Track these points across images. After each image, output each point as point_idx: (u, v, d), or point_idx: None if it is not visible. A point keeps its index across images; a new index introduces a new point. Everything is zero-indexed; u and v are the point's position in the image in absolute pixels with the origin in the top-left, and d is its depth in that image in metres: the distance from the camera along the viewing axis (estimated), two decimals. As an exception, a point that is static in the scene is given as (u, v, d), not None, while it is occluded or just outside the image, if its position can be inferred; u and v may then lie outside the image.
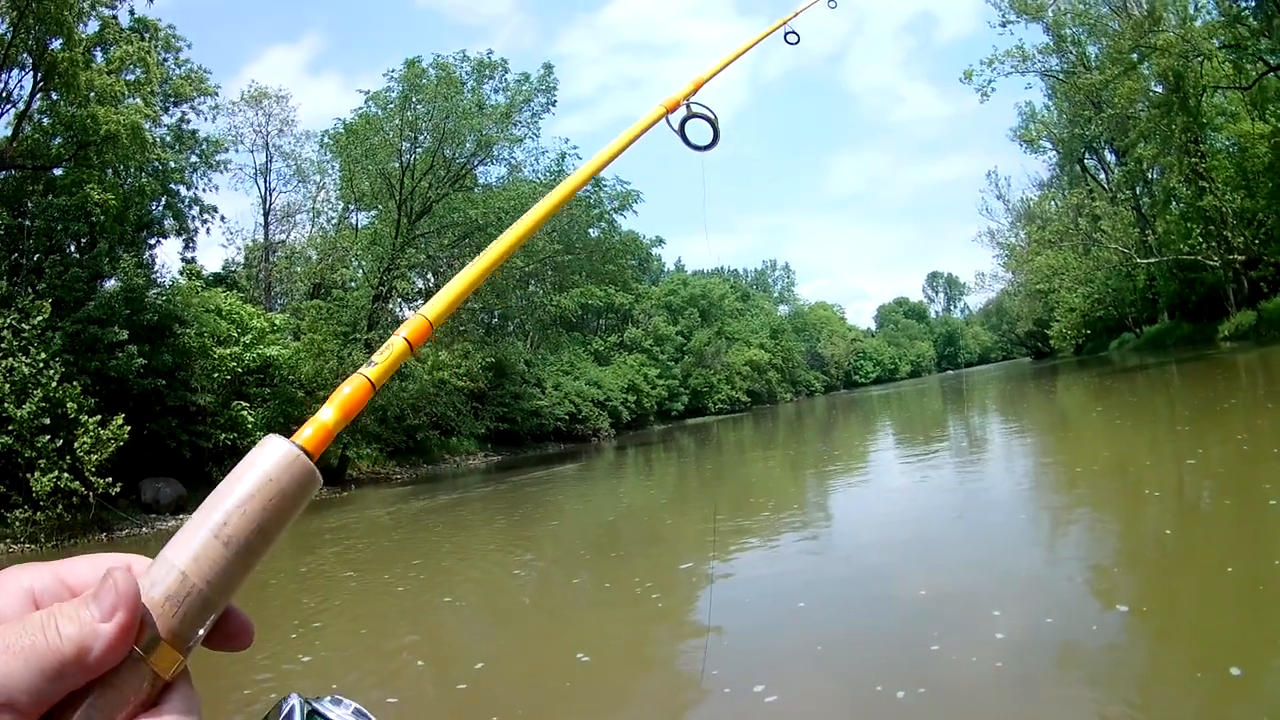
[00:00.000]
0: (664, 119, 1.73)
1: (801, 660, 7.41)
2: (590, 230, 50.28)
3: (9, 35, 25.67)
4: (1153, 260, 55.73)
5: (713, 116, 1.77)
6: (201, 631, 0.77)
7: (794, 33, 3.18)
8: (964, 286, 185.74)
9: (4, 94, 27.41)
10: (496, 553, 17.17)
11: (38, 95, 27.33)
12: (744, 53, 2.42)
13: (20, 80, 27.59)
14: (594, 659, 8.32)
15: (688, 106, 1.76)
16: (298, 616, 11.86)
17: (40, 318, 24.76)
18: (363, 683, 8.43)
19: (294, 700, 0.90)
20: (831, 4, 3.48)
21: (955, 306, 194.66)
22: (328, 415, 0.93)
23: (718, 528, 15.22)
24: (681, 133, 1.76)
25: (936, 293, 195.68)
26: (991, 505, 13.59)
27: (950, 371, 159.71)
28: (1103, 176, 66.27)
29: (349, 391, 0.97)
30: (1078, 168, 67.31)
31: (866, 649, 7.50)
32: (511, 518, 23.13)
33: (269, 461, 0.82)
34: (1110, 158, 66.57)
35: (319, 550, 19.22)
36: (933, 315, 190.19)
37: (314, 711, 0.90)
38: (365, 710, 0.93)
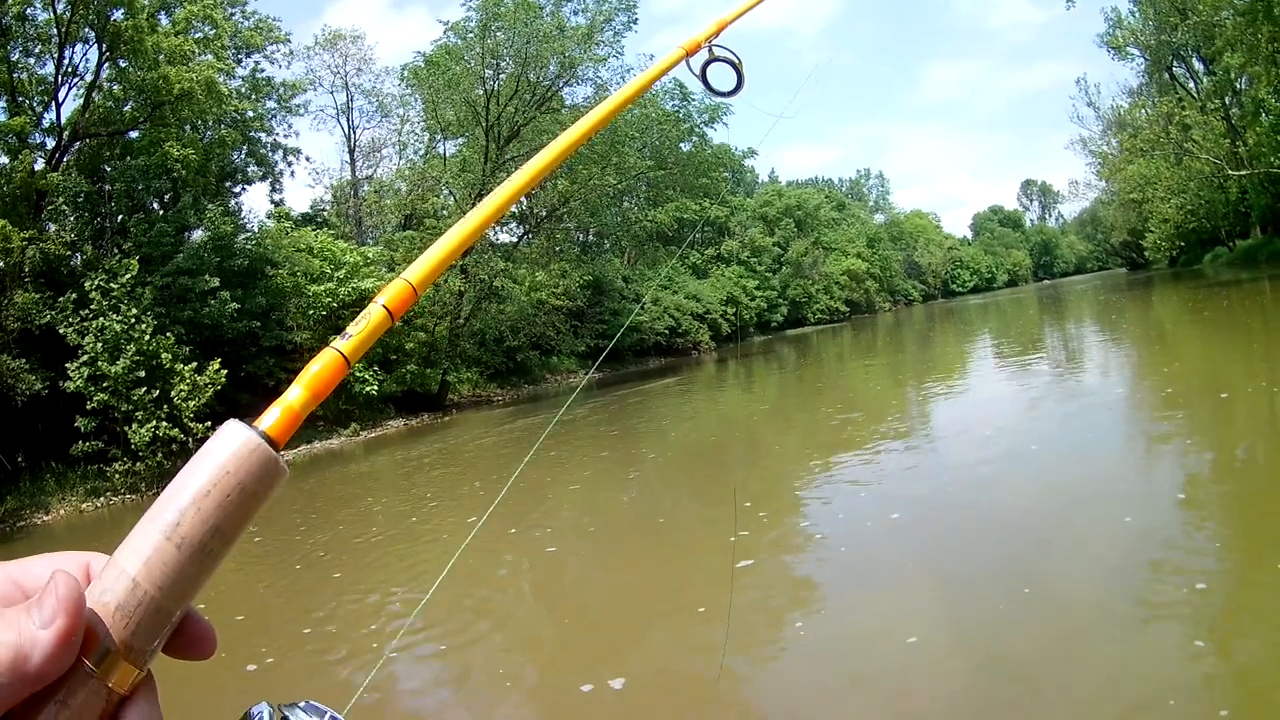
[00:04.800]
0: (684, 62, 1.63)
1: (896, 570, 7.84)
2: (681, 144, 49.66)
3: (68, 13, 25.59)
4: (1244, 173, 52.75)
5: (736, 60, 1.68)
6: (157, 642, 0.70)
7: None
8: (1058, 195, 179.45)
9: (70, 69, 27.49)
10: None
11: (105, 66, 27.39)
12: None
13: (85, 54, 27.80)
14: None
15: (710, 49, 1.67)
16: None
17: (128, 275, 25.05)
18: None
19: (263, 708, 0.80)
20: None
21: (1050, 215, 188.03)
22: (295, 395, 0.83)
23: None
24: (703, 77, 1.69)
25: (1031, 201, 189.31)
26: (1087, 422, 13.28)
27: (1046, 281, 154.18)
28: (1192, 85, 62.84)
29: (318, 369, 0.86)
30: (1166, 75, 64.09)
31: (961, 564, 7.72)
32: (617, 432, 23.16)
33: (225, 452, 0.74)
34: (1198, 66, 63.35)
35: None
36: (1028, 224, 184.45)
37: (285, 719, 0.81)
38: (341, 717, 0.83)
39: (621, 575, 9.72)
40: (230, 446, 0.73)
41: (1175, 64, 63.39)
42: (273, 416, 0.80)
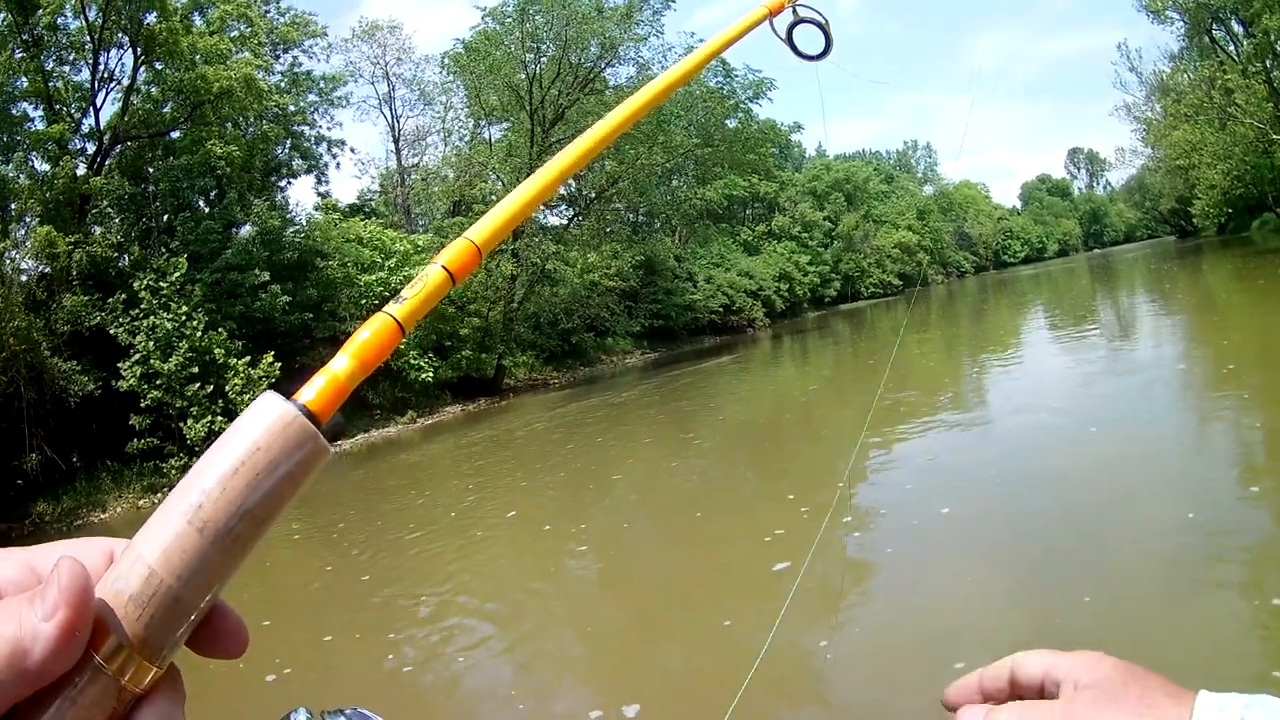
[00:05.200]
0: (767, 21, 1.48)
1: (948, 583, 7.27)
2: (727, 121, 49.21)
3: (100, 20, 25.58)
4: (1287, 137, 51.49)
5: (823, 20, 1.55)
6: (177, 637, 0.62)
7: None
8: (1105, 162, 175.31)
9: (106, 75, 27.58)
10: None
11: (141, 69, 27.45)
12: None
13: (120, 58, 27.91)
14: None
15: (794, 10, 1.54)
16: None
17: (177, 274, 25.31)
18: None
19: (301, 715, 0.77)
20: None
21: (1098, 183, 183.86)
22: (340, 365, 0.70)
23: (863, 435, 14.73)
24: (789, 40, 1.56)
25: (1078, 169, 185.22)
26: (1146, 399, 12.87)
27: (1097, 250, 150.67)
28: (1232, 48, 61.38)
29: (368, 335, 0.73)
30: (1206, 39, 62.62)
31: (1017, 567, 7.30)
32: (664, 417, 22.89)
33: (259, 426, 0.63)
34: (1238, 28, 61.73)
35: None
36: (1076, 192, 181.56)
37: None
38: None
39: (650, 582, 9.32)
40: (264, 420, 0.63)
41: (1215, 27, 61.58)
42: (315, 388, 0.67)
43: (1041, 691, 0.80)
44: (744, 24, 1.41)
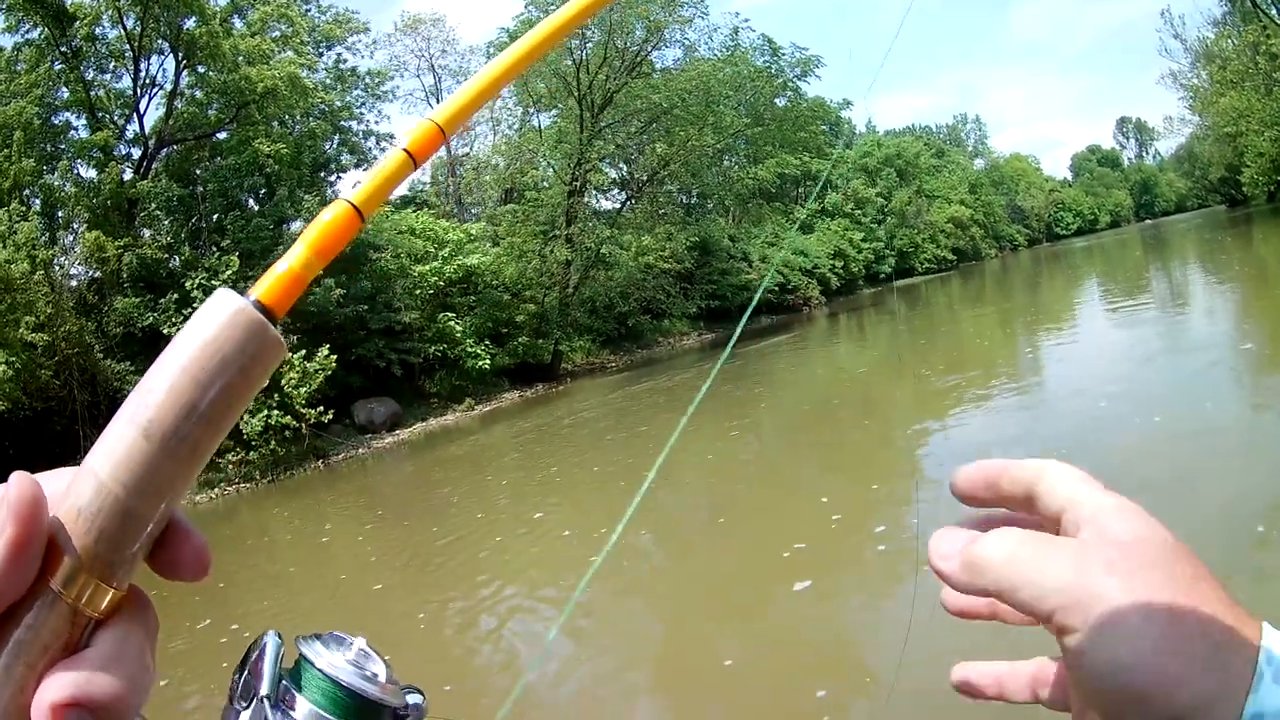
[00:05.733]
0: None
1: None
2: (776, 100, 48.78)
3: (139, 28, 25.58)
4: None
5: None
6: (131, 552, 0.56)
7: None
8: (1154, 131, 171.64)
9: (148, 80, 27.78)
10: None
11: (183, 73, 27.68)
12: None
13: (161, 64, 28.27)
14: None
15: None
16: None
17: (230, 271, 25.38)
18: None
19: (269, 638, 0.72)
20: None
21: (1147, 153, 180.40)
22: (295, 254, 0.63)
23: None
24: None
25: (1127, 139, 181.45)
26: (1209, 383, 12.28)
27: (1149, 221, 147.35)
28: (1274, 11, 60.04)
29: (327, 220, 0.65)
30: (1248, 2, 61.32)
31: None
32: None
33: (211, 322, 0.57)
34: None
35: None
36: (1126, 163, 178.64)
37: (299, 654, 0.74)
38: (371, 648, 0.76)
39: (657, 619, 8.62)
40: (215, 317, 0.57)
41: (1256, -10, 60.42)
42: (268, 281, 0.61)
43: (1058, 525, 0.61)
44: None
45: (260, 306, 0.58)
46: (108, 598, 0.55)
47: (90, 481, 0.54)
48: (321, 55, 35.76)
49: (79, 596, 0.54)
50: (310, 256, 0.62)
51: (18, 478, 0.52)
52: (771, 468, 13.59)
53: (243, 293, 0.58)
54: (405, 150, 0.69)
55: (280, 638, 0.70)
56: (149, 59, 27.08)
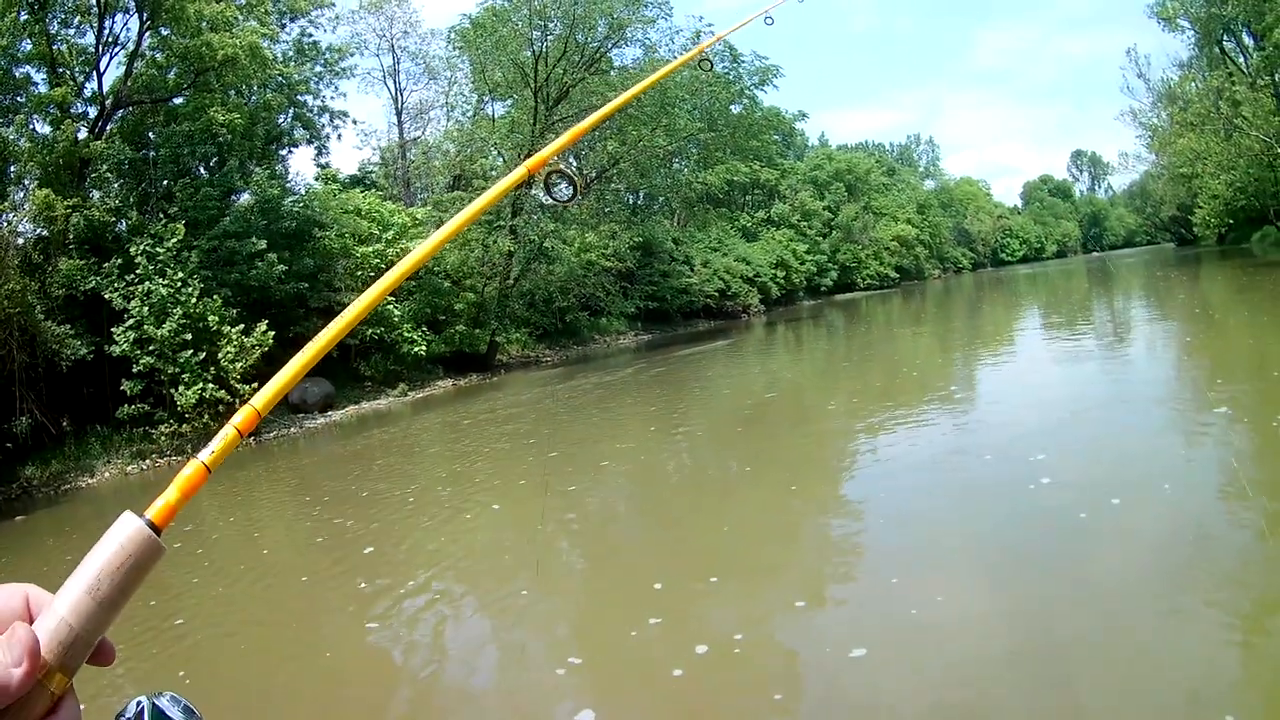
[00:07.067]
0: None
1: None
2: (732, 106, 49.27)
3: None
4: (1292, 152, 51.14)
5: (572, 174, 2.01)
6: (82, 660, 1.04)
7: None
8: (1108, 166, 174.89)
9: (111, 39, 27.32)
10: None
11: (146, 34, 27.22)
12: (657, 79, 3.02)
13: (126, 23, 27.61)
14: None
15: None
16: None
17: (174, 239, 25.10)
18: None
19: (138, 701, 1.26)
20: (768, 21, 3.43)
21: (1100, 186, 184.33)
22: (171, 494, 1.13)
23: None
24: (546, 187, 2.02)
25: (1081, 172, 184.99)
26: (1131, 398, 13.51)
27: (1096, 254, 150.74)
28: (1242, 60, 60.89)
29: (189, 474, 1.17)
30: (1216, 49, 62.17)
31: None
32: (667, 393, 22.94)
33: (126, 538, 1.06)
34: (1249, 40, 61.12)
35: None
36: (1078, 194, 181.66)
37: (156, 708, 1.26)
38: (193, 707, 1.29)
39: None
40: (130, 535, 1.06)
41: (1225, 38, 61.24)
42: (155, 508, 1.11)
43: None
44: (509, 181, 1.94)
45: (152, 525, 1.08)
46: (66, 685, 1.02)
47: (64, 627, 1.01)
48: (284, 27, 35.45)
49: (56, 686, 1.00)
50: (179, 496, 1.13)
51: (25, 630, 0.98)
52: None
53: (139, 513, 1.09)
54: (236, 428, 1.26)
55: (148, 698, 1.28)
56: (114, 16, 26.56)
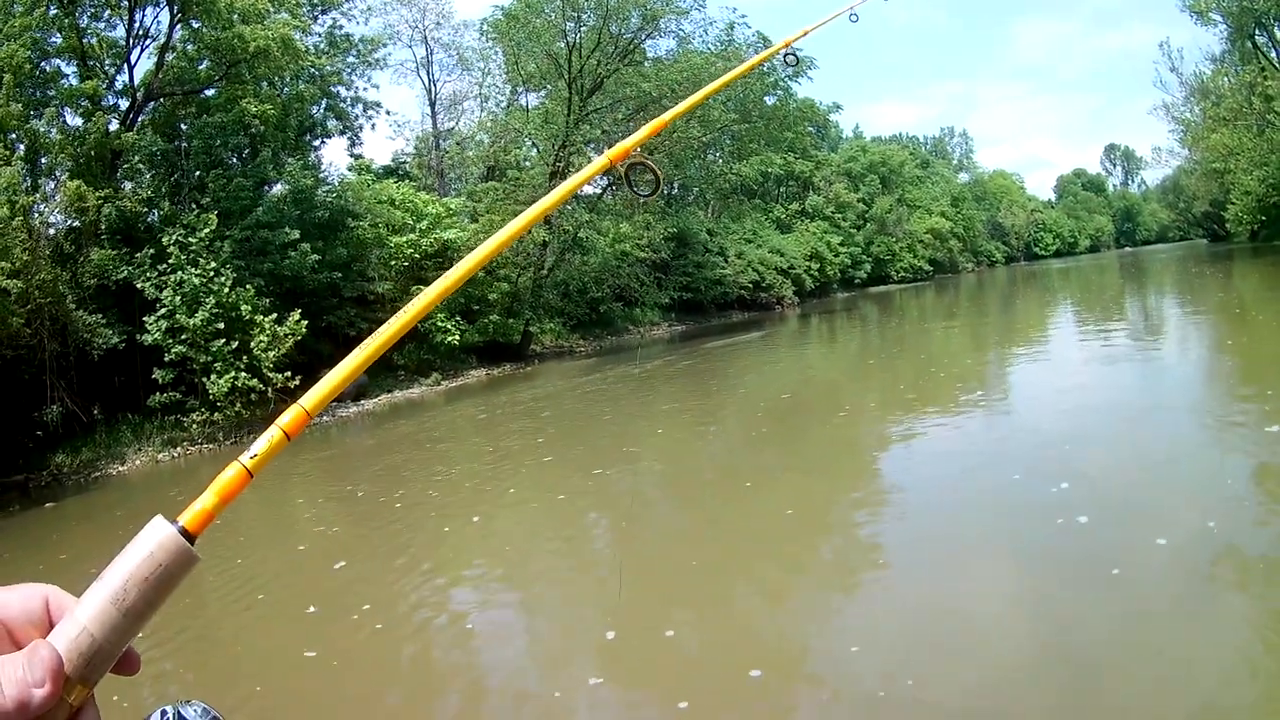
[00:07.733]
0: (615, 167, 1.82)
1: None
2: (766, 98, 48.90)
3: None
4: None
5: (654, 170, 1.87)
6: (104, 672, 0.97)
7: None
8: (1141, 161, 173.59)
9: (141, 32, 27.52)
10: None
11: (177, 27, 27.32)
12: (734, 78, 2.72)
13: (156, 16, 27.80)
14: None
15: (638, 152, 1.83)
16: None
17: (207, 230, 25.18)
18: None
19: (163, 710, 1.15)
20: (852, 18, 3.36)
21: (1133, 181, 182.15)
22: (208, 500, 1.06)
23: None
24: (627, 179, 1.87)
25: (1114, 166, 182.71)
26: (1165, 400, 13.22)
27: (1128, 249, 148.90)
28: (1274, 55, 60.32)
29: (228, 477, 1.08)
30: (1249, 44, 61.56)
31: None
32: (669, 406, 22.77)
33: (156, 544, 0.99)
34: None
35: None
36: (1111, 189, 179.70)
37: (179, 714, 1.15)
38: (213, 709, 1.17)
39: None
40: (160, 541, 0.99)
41: (1258, 32, 60.58)
42: (190, 514, 1.03)
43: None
44: (587, 173, 1.85)
45: (185, 532, 1.01)
46: (86, 695, 0.95)
47: (86, 637, 0.94)
48: (316, 19, 35.56)
49: (74, 697, 0.94)
50: (217, 501, 1.06)
51: (48, 649, 0.92)
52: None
53: (171, 520, 1.01)
54: (282, 430, 1.15)
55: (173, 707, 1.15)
56: (144, 9, 26.68)
